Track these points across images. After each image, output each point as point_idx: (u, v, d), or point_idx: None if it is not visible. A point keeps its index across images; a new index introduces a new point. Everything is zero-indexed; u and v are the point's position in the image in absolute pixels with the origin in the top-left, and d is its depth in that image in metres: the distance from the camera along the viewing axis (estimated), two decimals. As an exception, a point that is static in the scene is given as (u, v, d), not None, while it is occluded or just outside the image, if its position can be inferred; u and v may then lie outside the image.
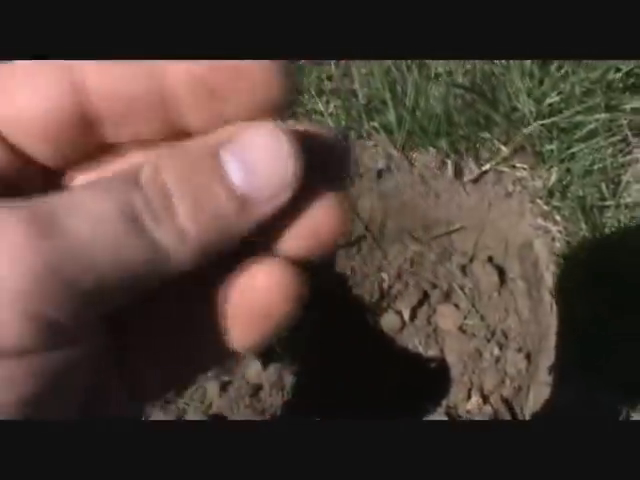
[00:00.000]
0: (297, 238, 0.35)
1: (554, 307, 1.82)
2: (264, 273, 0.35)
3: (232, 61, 0.34)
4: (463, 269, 2.20)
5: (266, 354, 1.73)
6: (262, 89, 0.34)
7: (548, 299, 1.87)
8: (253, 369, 1.63)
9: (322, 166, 0.36)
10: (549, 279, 1.88)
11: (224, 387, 1.62)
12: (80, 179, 0.37)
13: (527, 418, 1.89)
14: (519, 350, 2.06)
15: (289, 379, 1.62)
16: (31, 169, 0.36)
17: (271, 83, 0.34)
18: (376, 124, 2.01)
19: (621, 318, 1.74)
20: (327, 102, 2.09)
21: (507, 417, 1.95)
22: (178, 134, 0.36)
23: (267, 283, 0.35)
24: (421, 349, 2.21)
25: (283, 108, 0.35)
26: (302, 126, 0.37)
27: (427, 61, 2.00)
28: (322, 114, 2.06)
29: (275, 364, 1.64)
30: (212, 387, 1.62)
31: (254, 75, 0.34)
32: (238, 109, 0.35)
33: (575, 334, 1.75)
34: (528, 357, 2.02)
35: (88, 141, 0.36)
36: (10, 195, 0.32)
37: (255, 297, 0.35)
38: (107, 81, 0.34)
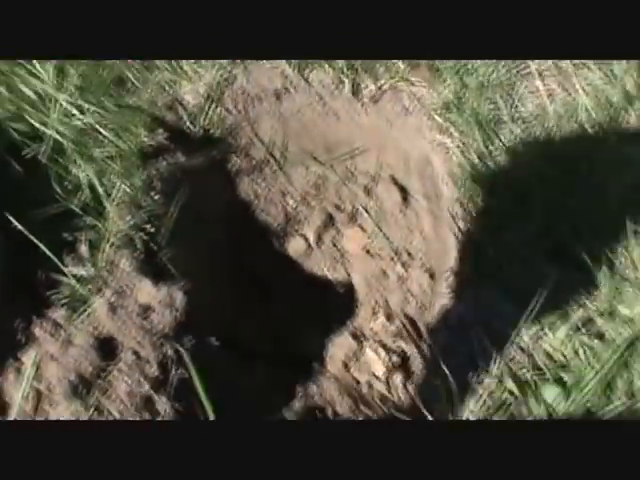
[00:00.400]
0: None
1: (454, 222, 1.81)
2: None
3: None
4: (367, 190, 2.18)
5: (158, 273, 1.69)
6: None
7: (447, 215, 1.86)
8: (144, 289, 1.59)
9: None
10: (447, 194, 1.87)
11: (113, 309, 1.58)
12: None
13: (429, 335, 1.89)
14: (423, 268, 2.05)
15: (181, 299, 1.58)
16: None
17: None
18: (271, 43, 1.96)
19: (512, 228, 1.73)
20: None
21: (412, 334, 1.95)
22: None
23: None
24: (327, 272, 2.19)
25: None
26: None
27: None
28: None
29: (166, 283, 1.60)
30: (101, 310, 1.57)
31: None
32: None
33: (473, 247, 1.74)
34: (431, 275, 2.02)
35: None
36: None
37: None
38: None
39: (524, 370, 1.53)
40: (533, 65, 1.93)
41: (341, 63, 1.93)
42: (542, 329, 1.60)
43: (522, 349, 1.57)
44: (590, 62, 1.91)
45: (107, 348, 1.50)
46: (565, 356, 1.57)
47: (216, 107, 2.01)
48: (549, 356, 1.57)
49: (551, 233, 1.69)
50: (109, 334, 1.53)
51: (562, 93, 1.90)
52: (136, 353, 1.47)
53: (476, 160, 1.83)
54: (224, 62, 1.96)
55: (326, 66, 1.95)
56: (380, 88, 1.95)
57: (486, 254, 1.72)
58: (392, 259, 2.11)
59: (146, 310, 1.56)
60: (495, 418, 1.41)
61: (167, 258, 1.73)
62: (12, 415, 1.46)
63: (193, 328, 1.58)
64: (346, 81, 1.95)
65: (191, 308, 1.58)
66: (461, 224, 1.78)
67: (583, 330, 1.57)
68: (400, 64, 1.93)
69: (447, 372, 1.54)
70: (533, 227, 1.70)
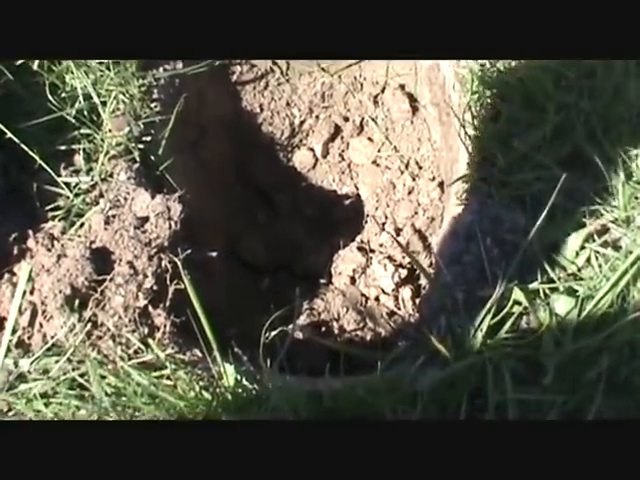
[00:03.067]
0: None
1: (463, 130, 1.67)
2: None
3: None
4: (374, 99, 2.03)
5: (156, 185, 1.57)
6: None
7: (457, 123, 1.71)
8: (140, 200, 1.47)
9: None
10: (456, 101, 1.72)
11: (109, 221, 1.46)
12: None
13: (435, 245, 1.77)
14: (432, 179, 1.93)
15: (179, 210, 1.46)
16: None
17: None
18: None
19: (524, 133, 1.59)
20: None
21: (419, 247, 1.83)
22: None
23: None
24: (335, 185, 2.07)
25: None
26: None
27: None
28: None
29: (164, 195, 1.48)
30: (97, 222, 1.46)
31: None
32: None
33: (483, 155, 1.61)
34: (440, 185, 1.89)
35: None
36: None
37: None
38: None
39: (534, 281, 1.41)
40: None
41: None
42: (554, 239, 1.47)
43: (532, 259, 1.45)
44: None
45: (103, 261, 1.39)
46: (578, 266, 1.44)
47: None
48: (561, 267, 1.44)
49: (565, 138, 1.54)
50: (104, 246, 1.42)
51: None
52: (132, 266, 1.37)
53: (487, 64, 1.67)
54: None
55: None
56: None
57: (496, 162, 1.58)
58: (401, 170, 1.98)
59: (143, 222, 1.45)
60: (502, 330, 1.30)
61: (165, 169, 1.62)
62: (8, 329, 1.37)
63: (192, 241, 1.47)
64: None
65: (190, 220, 1.47)
66: (471, 132, 1.64)
67: (597, 239, 1.44)
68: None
69: (454, 283, 1.43)
70: (546, 132, 1.55)
